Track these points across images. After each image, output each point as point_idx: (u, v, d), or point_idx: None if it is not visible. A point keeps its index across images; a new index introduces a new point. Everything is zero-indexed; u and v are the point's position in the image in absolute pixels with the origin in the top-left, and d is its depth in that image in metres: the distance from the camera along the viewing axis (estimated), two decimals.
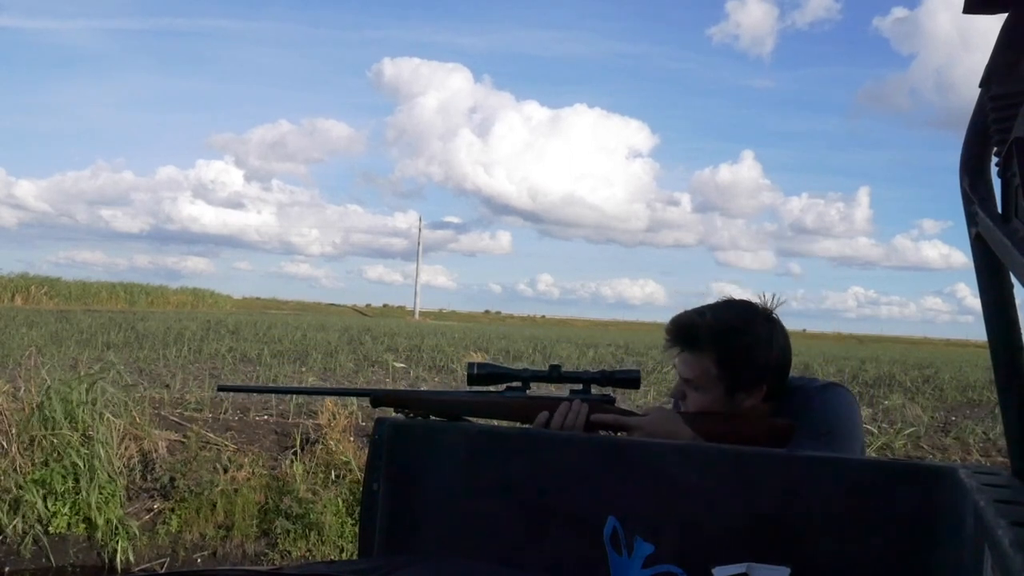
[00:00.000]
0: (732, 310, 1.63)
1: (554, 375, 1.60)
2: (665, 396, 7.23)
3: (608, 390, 1.64)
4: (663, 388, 8.06)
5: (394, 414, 1.59)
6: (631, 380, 1.60)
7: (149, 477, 5.48)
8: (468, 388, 1.63)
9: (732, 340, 1.57)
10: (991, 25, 0.82)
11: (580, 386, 1.62)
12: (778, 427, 1.57)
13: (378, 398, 1.64)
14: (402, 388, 7.38)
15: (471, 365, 1.60)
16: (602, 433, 1.58)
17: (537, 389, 1.63)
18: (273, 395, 6.83)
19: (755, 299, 1.66)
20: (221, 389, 1.98)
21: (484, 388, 1.62)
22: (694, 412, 1.60)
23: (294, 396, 6.58)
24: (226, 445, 5.68)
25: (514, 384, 1.62)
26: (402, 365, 10.42)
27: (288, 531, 5.13)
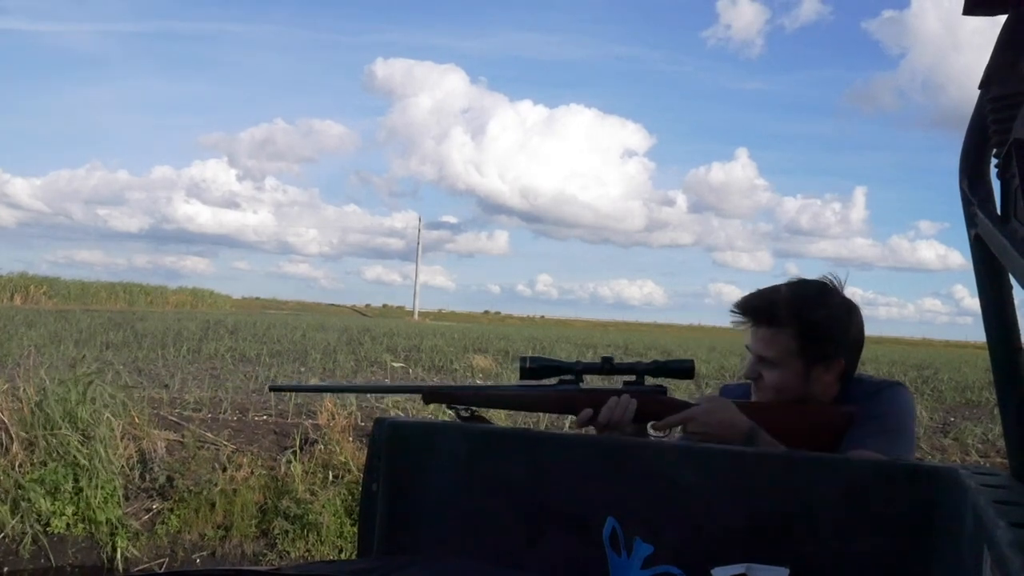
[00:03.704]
0: (808, 286, 1.63)
1: (607, 367, 1.59)
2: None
3: (661, 380, 1.61)
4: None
5: (446, 409, 1.60)
6: (684, 370, 1.58)
7: (148, 477, 5.47)
8: (519, 382, 1.62)
9: (812, 313, 1.57)
10: (982, 25, 0.83)
11: (633, 378, 1.60)
12: (839, 411, 1.56)
13: (431, 393, 1.64)
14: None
15: (523, 359, 1.59)
16: (653, 425, 1.57)
17: (590, 382, 1.61)
18: (273, 395, 6.83)
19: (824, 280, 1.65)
20: (273, 389, 2.02)
21: (536, 382, 1.60)
22: (752, 402, 1.60)
23: (294, 396, 6.58)
24: (225, 445, 5.68)
25: (566, 377, 1.60)
26: (400, 365, 10.42)
27: (287, 531, 5.12)
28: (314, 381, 7.98)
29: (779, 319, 1.57)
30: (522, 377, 1.60)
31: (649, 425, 1.58)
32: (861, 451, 1.49)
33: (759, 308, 1.60)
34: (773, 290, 1.61)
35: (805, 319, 1.56)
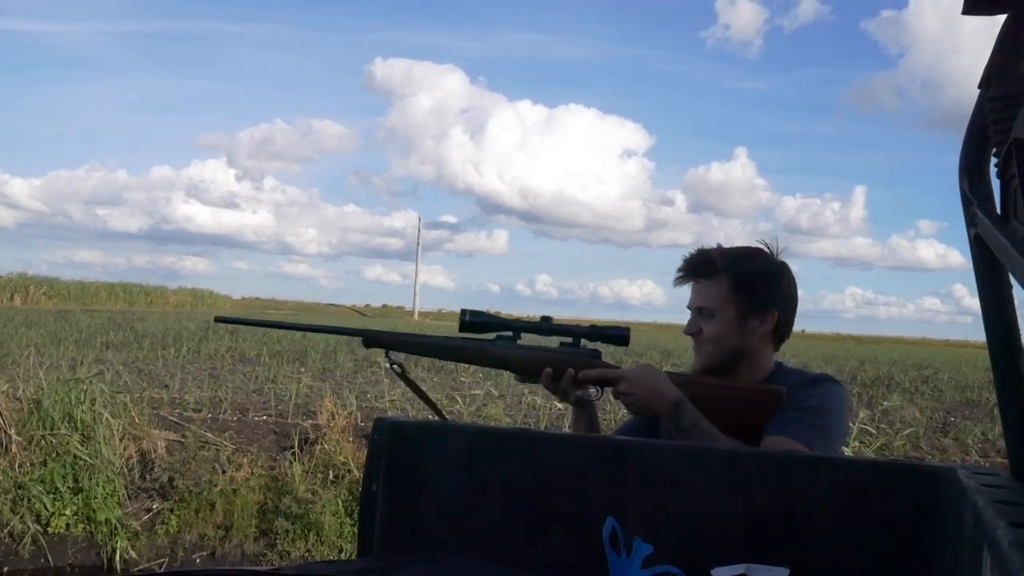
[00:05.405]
0: (743, 246, 1.71)
1: (545, 327, 1.63)
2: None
3: (597, 345, 1.66)
4: None
5: (385, 357, 1.66)
6: (620, 337, 1.63)
7: (148, 477, 5.48)
8: (459, 335, 1.64)
9: (745, 264, 1.64)
10: (981, 24, 0.83)
11: (570, 339, 1.64)
12: (769, 390, 1.58)
13: (371, 339, 1.66)
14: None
15: (464, 312, 1.61)
16: (588, 388, 1.63)
17: (527, 340, 1.65)
18: (272, 394, 6.85)
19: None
20: (218, 320, 2.00)
21: (475, 336, 1.63)
22: (684, 374, 1.65)
23: (293, 396, 6.62)
24: (225, 445, 5.68)
25: (505, 334, 1.64)
26: (397, 366, 10.40)
27: (287, 531, 5.12)
28: (311, 381, 7.99)
29: (714, 269, 1.63)
30: (461, 329, 1.62)
31: (579, 373, 1.62)
32: (780, 439, 1.50)
33: (696, 262, 1.66)
34: (709, 248, 1.69)
35: (738, 268, 1.62)
